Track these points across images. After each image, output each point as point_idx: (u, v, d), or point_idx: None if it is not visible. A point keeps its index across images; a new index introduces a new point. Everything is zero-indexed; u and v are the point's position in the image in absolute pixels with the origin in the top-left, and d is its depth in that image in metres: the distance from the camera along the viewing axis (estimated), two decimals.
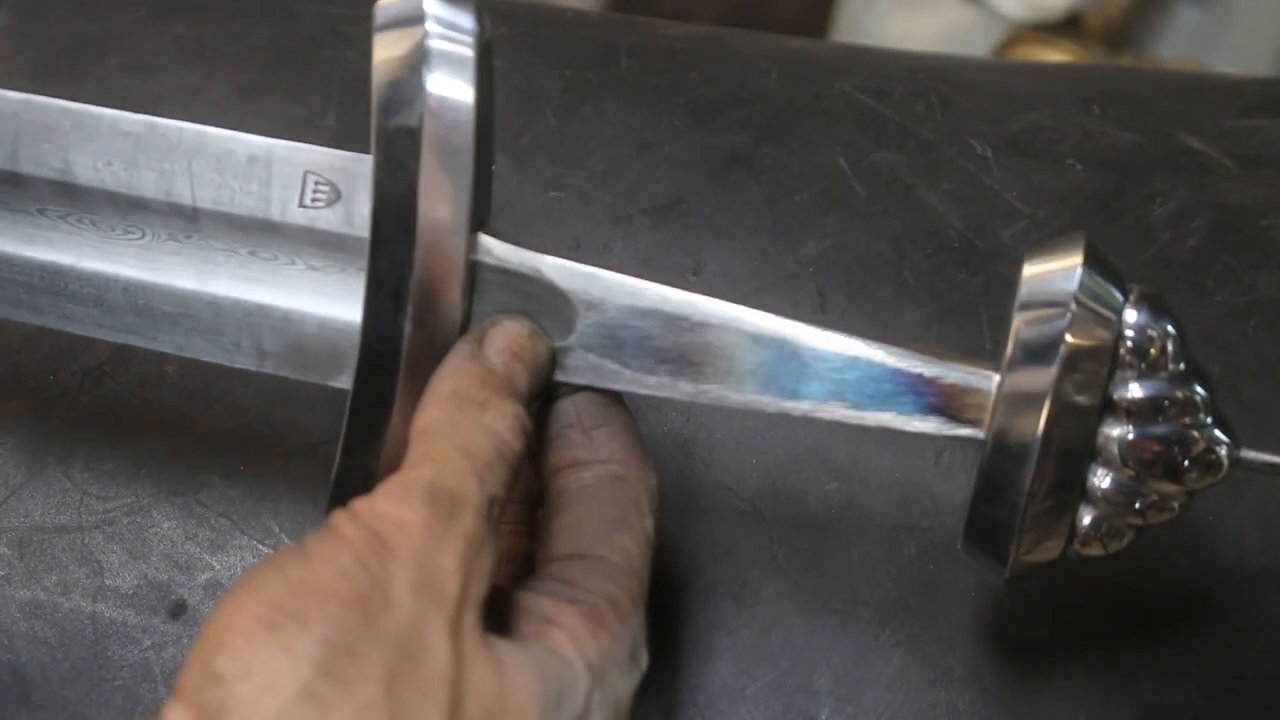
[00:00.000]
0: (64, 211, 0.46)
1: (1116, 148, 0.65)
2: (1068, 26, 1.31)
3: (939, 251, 0.61)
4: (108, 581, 0.55)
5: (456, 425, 0.41)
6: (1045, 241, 0.44)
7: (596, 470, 0.45)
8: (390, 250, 0.43)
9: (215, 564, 0.55)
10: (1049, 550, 0.44)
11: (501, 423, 0.42)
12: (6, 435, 0.57)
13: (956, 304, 0.59)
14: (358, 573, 0.37)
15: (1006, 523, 0.43)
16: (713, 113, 0.64)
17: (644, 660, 0.43)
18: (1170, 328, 0.43)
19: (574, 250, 0.60)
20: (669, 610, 0.56)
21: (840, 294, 0.59)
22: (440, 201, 0.42)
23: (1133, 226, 0.62)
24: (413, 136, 0.42)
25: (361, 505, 0.39)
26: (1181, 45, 1.34)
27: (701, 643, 0.55)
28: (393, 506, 0.39)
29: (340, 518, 0.39)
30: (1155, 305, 0.43)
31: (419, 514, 0.39)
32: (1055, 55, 1.25)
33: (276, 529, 0.56)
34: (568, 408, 0.45)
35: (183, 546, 0.56)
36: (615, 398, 0.46)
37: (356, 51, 0.64)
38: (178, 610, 0.55)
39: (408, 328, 0.43)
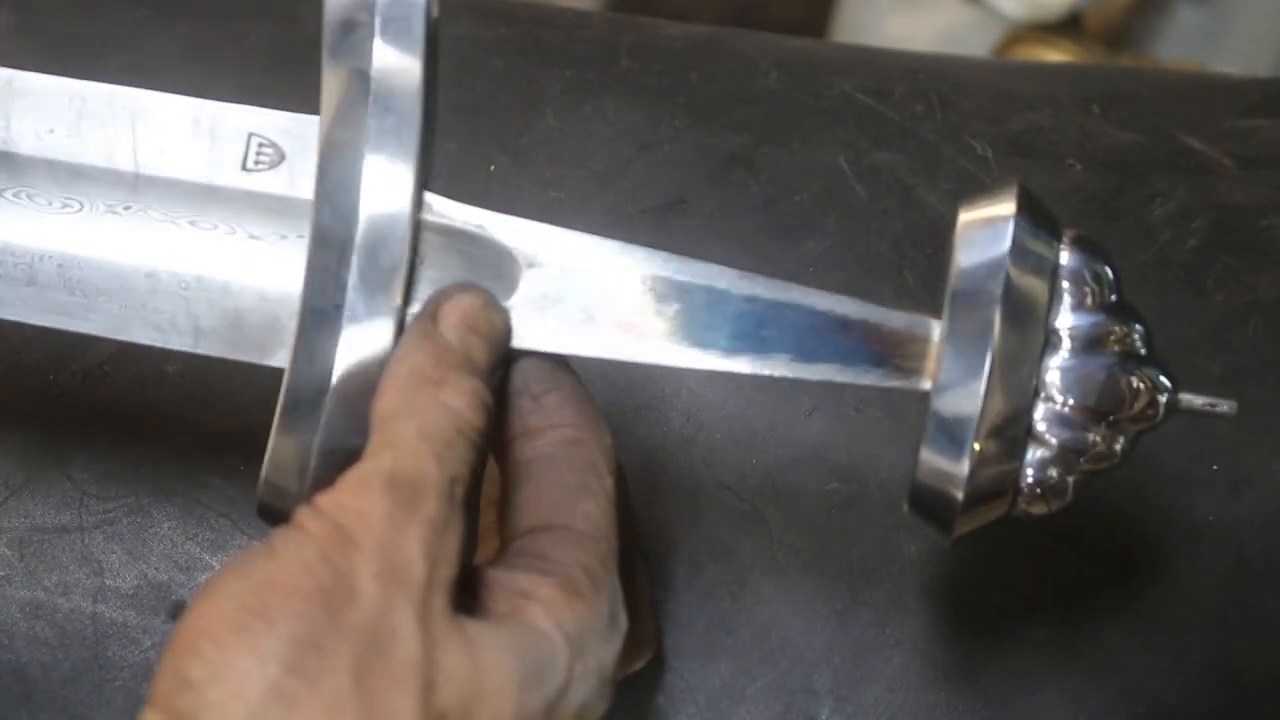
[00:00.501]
0: (1, 186, 0.45)
1: (1116, 148, 0.65)
2: (1068, 26, 1.31)
3: (939, 251, 0.61)
4: (108, 582, 0.55)
5: (414, 408, 0.41)
6: (979, 192, 0.44)
7: (550, 437, 0.44)
8: (335, 201, 0.42)
9: (215, 564, 0.55)
10: (997, 503, 0.43)
11: (459, 400, 0.41)
12: (7, 435, 0.57)
13: None
14: (321, 567, 0.37)
15: (953, 475, 0.42)
16: (713, 113, 0.64)
17: (623, 623, 0.43)
18: (1105, 269, 0.43)
19: None
20: (669, 611, 0.56)
21: (840, 294, 0.59)
22: (388, 149, 0.42)
23: (1133, 226, 0.62)
24: (363, 81, 0.42)
25: (323, 499, 0.39)
26: (1181, 45, 1.34)
27: (701, 643, 0.55)
28: (353, 497, 0.39)
29: (303, 513, 0.39)
30: (1089, 248, 0.43)
31: (379, 503, 0.39)
32: (1055, 55, 1.25)
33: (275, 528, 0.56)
34: (513, 375, 0.45)
35: (183, 546, 0.56)
36: (561, 361, 0.45)
37: None
38: (178, 610, 0.55)
39: (352, 279, 0.42)
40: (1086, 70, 0.84)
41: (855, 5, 1.35)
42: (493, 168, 0.61)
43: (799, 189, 0.62)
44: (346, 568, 0.38)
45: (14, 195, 0.45)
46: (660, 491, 0.56)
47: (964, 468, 0.42)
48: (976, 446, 0.42)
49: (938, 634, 0.56)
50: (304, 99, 0.63)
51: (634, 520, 0.53)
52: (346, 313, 0.42)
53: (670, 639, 0.55)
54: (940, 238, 0.61)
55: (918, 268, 0.60)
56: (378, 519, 0.38)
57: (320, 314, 0.42)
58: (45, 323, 0.45)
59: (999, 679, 0.55)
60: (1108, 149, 0.65)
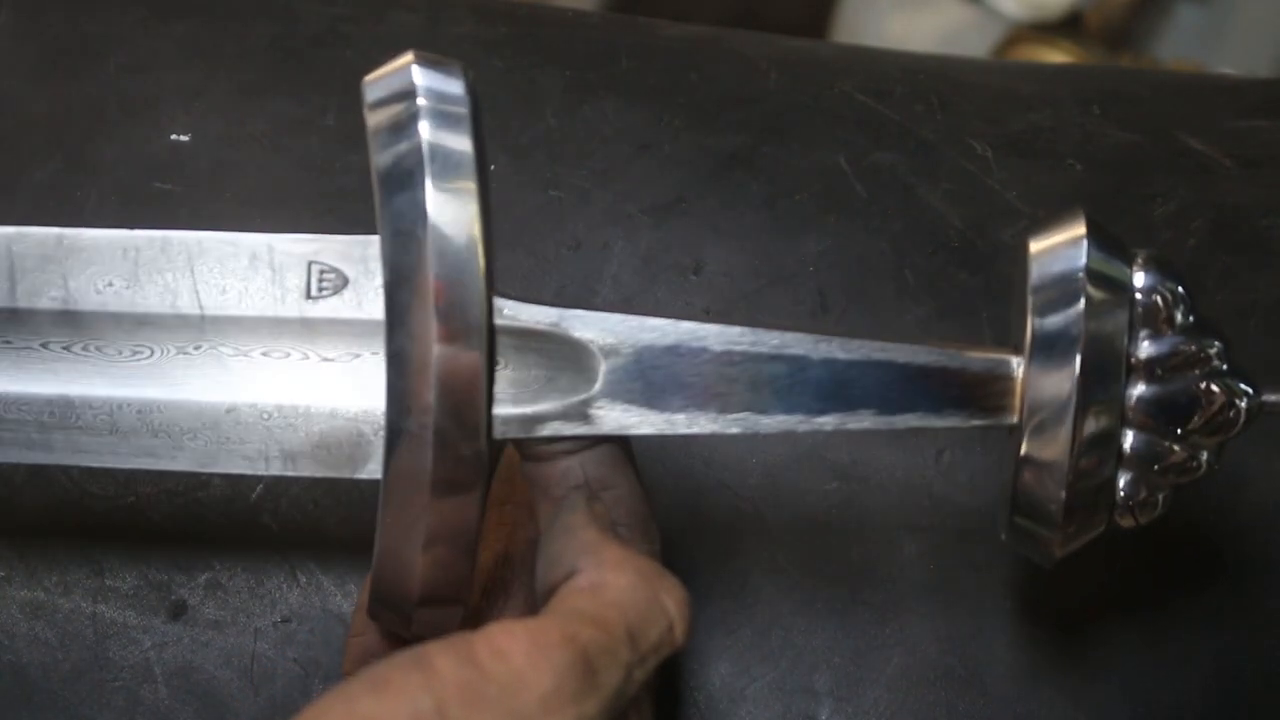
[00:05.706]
0: (67, 341, 0.45)
1: (1116, 148, 0.65)
2: (1068, 26, 1.31)
3: (939, 251, 0.61)
4: (108, 582, 0.55)
5: (635, 602, 0.38)
6: (1044, 220, 0.45)
7: None
8: (408, 324, 0.41)
9: (215, 564, 0.55)
10: (1095, 524, 0.44)
11: (677, 610, 0.39)
12: None
13: (957, 303, 0.59)
14: None
15: (1051, 503, 0.43)
16: (713, 113, 0.64)
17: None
18: (1178, 288, 0.44)
19: (574, 250, 0.60)
20: None
21: (840, 293, 0.59)
22: (455, 268, 0.42)
23: (1133, 226, 0.62)
24: (419, 207, 0.42)
25: (484, 640, 0.36)
26: (1181, 45, 1.34)
27: (701, 643, 0.55)
28: (525, 658, 0.35)
29: (440, 650, 0.36)
30: (1161, 267, 0.44)
31: (548, 678, 0.35)
32: (1055, 55, 1.25)
33: (275, 528, 0.56)
34: (575, 468, 0.44)
35: (183, 546, 0.56)
36: (623, 459, 0.45)
37: (356, 51, 0.64)
38: (178, 610, 0.55)
39: (433, 398, 0.41)
40: (1086, 70, 0.84)
41: (855, 5, 1.35)
42: (493, 168, 0.61)
43: (799, 189, 0.62)
44: None
45: (83, 349, 0.45)
46: (660, 491, 0.56)
47: (1059, 501, 0.43)
48: (1072, 477, 0.42)
49: (938, 634, 0.56)
50: (304, 98, 0.63)
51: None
52: (434, 431, 0.41)
53: None
54: (940, 237, 0.61)
55: (918, 268, 0.60)
56: (535, 694, 0.35)
57: (407, 434, 0.42)
58: (134, 465, 0.46)
59: (999, 679, 0.55)
60: (1108, 149, 0.65)
